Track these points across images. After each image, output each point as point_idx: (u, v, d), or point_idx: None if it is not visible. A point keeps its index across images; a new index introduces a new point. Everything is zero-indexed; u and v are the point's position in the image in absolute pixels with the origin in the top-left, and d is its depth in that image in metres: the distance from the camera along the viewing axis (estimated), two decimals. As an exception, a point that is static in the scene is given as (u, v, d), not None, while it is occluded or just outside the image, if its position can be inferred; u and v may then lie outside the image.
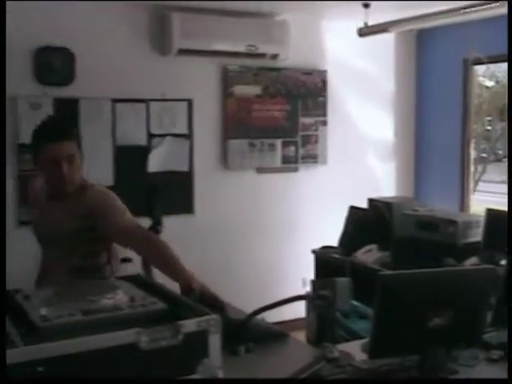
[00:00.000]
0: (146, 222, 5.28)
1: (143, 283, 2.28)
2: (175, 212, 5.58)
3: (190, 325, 1.83)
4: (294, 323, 4.86)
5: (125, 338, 1.75)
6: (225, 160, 6.00)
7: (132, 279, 2.35)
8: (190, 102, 5.79)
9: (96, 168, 5.34)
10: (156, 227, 5.33)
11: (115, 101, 5.47)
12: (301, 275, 6.12)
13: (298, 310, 4.94)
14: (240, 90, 6.03)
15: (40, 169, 3.03)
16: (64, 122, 3.20)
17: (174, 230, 5.48)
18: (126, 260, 5.30)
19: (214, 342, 1.86)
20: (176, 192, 5.68)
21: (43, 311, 1.88)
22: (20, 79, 5.09)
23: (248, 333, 2.41)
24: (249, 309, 2.93)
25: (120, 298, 2.01)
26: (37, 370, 1.65)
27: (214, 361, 1.86)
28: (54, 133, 2.97)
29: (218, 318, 1.86)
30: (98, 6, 5.30)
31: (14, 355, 1.64)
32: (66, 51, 5.25)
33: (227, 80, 5.99)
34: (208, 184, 5.91)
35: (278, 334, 2.64)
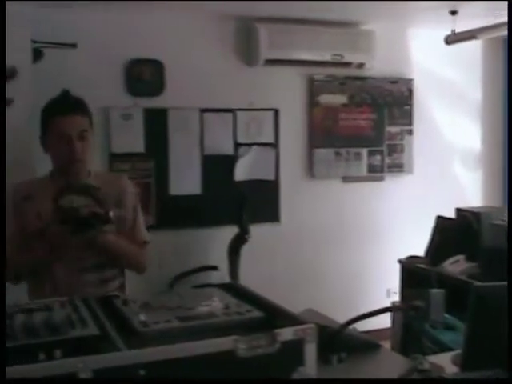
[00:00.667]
0: (233, 231, 5.40)
1: (237, 291, 2.30)
2: (261, 220, 5.66)
3: (286, 333, 1.83)
4: (379, 333, 4.83)
5: (223, 345, 1.76)
6: (311, 169, 6.03)
7: (225, 287, 2.37)
8: (276, 112, 5.83)
9: (184, 177, 5.48)
10: (243, 235, 5.41)
11: (203, 111, 5.57)
12: (385, 285, 6.08)
13: (383, 319, 4.92)
14: (326, 99, 6.05)
15: (48, 146, 2.82)
16: (77, 97, 2.86)
17: (260, 238, 5.56)
18: (211, 268, 5.39)
19: (310, 350, 1.86)
20: (262, 201, 5.73)
21: (142, 317, 1.92)
22: (112, 91, 5.25)
23: (341, 342, 2.41)
24: (333, 317, 2.95)
25: (216, 305, 2.03)
26: (139, 373, 1.69)
27: (310, 369, 1.87)
28: (65, 106, 2.78)
29: (314, 327, 1.86)
30: (186, 18, 5.43)
31: (117, 358, 1.69)
32: (156, 63, 5.39)
33: (313, 89, 6.01)
34: (294, 193, 5.94)
35: (370, 344, 2.63)
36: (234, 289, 2.35)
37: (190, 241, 5.53)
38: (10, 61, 3.22)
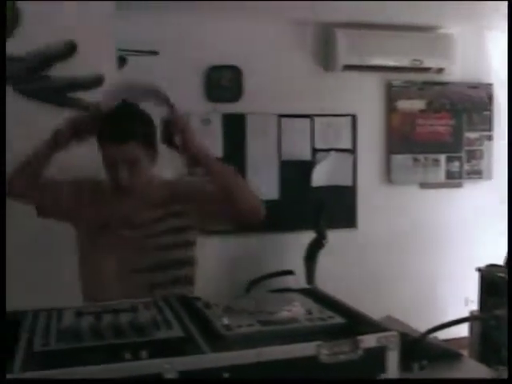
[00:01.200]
0: (310, 236, 5.41)
1: (317, 296, 2.30)
2: (338, 226, 5.65)
3: (369, 340, 1.82)
4: (455, 342, 4.76)
5: (306, 351, 1.77)
6: (388, 175, 5.99)
7: (307, 292, 2.38)
8: (353, 117, 5.81)
9: (262, 182, 5.51)
10: (320, 240, 5.42)
11: (281, 116, 5.60)
12: (462, 293, 5.98)
13: (460, 328, 4.85)
14: (404, 104, 6.00)
15: (102, 162, 2.68)
16: (132, 118, 2.65)
17: (337, 243, 5.56)
18: (287, 272, 5.41)
19: (392, 358, 1.85)
20: (339, 206, 5.73)
21: (225, 320, 1.95)
22: (192, 97, 5.34)
23: (422, 350, 2.39)
24: (409, 324, 2.93)
25: (297, 310, 2.04)
26: (223, 375, 1.71)
27: (391, 377, 1.86)
28: (115, 132, 2.59)
29: (397, 335, 1.86)
30: (264, 25, 5.46)
31: (202, 361, 1.72)
32: (235, 69, 5.45)
33: (391, 95, 5.98)
34: (371, 199, 5.91)
35: (452, 353, 2.61)
36: (314, 294, 2.36)
37: (266, 245, 5.56)
38: (97, 69, 3.31)
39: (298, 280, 5.28)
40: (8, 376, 1.58)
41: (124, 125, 2.62)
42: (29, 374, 1.59)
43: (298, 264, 5.39)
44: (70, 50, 3.27)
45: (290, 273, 5.43)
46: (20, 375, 1.60)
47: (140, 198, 2.77)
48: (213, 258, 5.23)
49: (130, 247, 2.75)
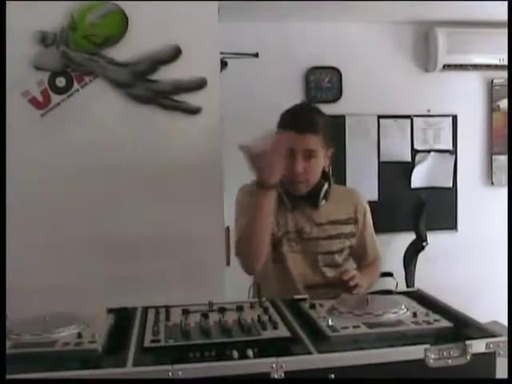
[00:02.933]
0: (410, 237, 5.35)
1: (422, 299, 2.29)
2: (438, 228, 5.57)
3: (478, 345, 1.80)
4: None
5: (414, 354, 1.76)
6: (489, 176, 5.86)
7: (410, 294, 2.37)
8: (454, 118, 5.72)
9: (361, 183, 5.50)
10: (420, 242, 5.35)
11: (380, 117, 5.56)
12: None
13: None
14: (506, 103, 5.85)
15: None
16: (314, 113, 2.76)
17: (437, 246, 5.48)
18: (387, 274, 5.36)
19: (502, 365, 1.82)
20: (439, 208, 5.65)
21: (330, 321, 1.96)
22: (292, 98, 5.27)
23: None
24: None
25: (403, 313, 2.03)
26: (329, 376, 1.72)
27: (500, 384, 1.84)
28: (298, 122, 2.66)
29: (506, 341, 1.83)
30: (363, 25, 5.45)
31: (309, 362, 1.73)
32: (334, 70, 5.46)
33: (493, 94, 5.84)
34: (472, 201, 5.79)
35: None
36: (418, 296, 2.34)
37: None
38: (200, 72, 3.38)
39: (397, 282, 5.23)
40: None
41: (309, 118, 2.71)
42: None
43: (396, 266, 5.34)
44: (175, 54, 3.35)
45: (389, 275, 5.38)
46: (131, 369, 1.66)
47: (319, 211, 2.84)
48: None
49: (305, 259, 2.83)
